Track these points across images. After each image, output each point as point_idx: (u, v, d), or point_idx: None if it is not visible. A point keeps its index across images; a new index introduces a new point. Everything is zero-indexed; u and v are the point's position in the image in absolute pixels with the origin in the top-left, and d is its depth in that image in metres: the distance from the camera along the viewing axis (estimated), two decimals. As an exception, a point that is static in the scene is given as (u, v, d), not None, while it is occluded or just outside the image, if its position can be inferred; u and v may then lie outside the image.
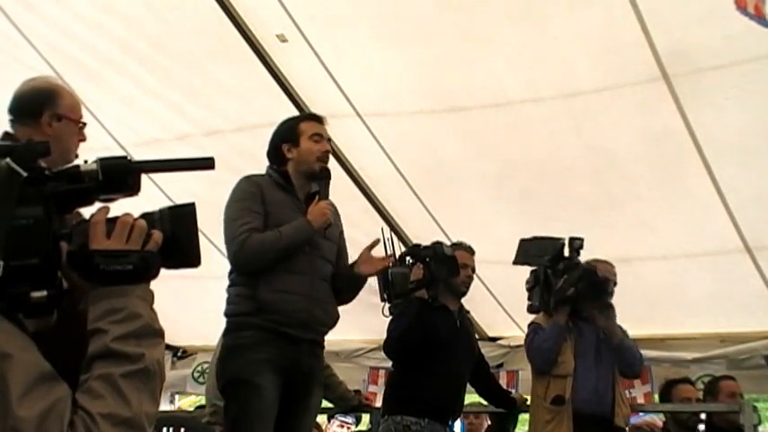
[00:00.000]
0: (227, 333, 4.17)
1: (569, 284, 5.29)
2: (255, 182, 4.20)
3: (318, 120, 4.40)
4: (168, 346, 8.24)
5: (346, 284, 4.30)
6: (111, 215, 1.66)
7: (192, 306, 7.49)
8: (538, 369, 5.52)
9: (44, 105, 3.42)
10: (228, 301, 4.15)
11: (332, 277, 4.27)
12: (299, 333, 4.02)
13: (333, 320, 4.25)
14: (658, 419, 6.87)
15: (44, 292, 1.52)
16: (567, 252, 5.42)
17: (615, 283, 5.52)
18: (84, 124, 3.49)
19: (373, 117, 6.05)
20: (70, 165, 1.65)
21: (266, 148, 4.41)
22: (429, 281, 5.00)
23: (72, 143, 3.38)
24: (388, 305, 5.08)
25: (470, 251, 5.37)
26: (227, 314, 4.16)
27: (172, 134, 6.39)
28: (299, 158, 4.22)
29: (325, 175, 4.19)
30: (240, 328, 4.06)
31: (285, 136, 4.28)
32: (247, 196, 4.14)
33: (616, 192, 6.13)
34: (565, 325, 5.35)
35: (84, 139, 3.46)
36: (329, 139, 4.36)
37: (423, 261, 5.02)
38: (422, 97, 5.88)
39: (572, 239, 5.36)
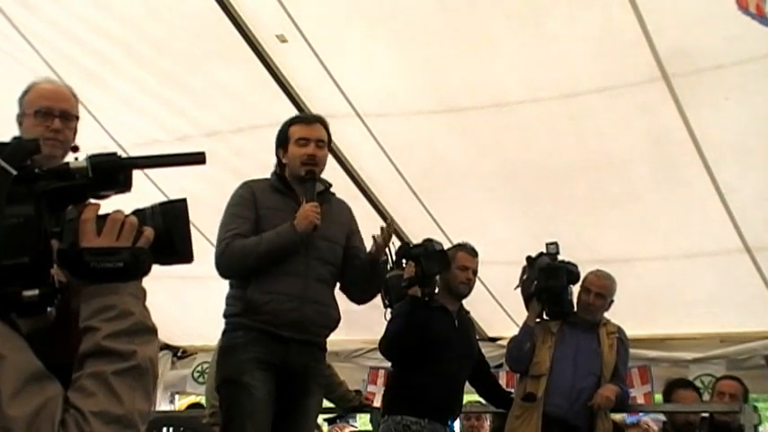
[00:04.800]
0: (222, 334, 4.21)
1: (531, 280, 5.57)
2: (250, 187, 4.23)
3: (307, 122, 4.35)
4: (168, 346, 8.25)
5: (359, 274, 4.28)
6: (102, 212, 1.65)
7: (193, 306, 7.50)
8: (509, 367, 5.98)
9: (18, 108, 3.48)
10: (225, 303, 4.20)
11: (339, 276, 4.28)
12: (288, 333, 4.02)
13: (331, 322, 4.23)
14: (651, 420, 6.90)
15: (36, 291, 1.51)
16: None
17: (601, 295, 5.58)
18: (45, 111, 3.40)
19: (373, 117, 6.04)
20: (60, 162, 1.65)
21: (266, 148, 4.44)
22: (421, 277, 5.03)
23: (35, 135, 3.24)
24: (389, 311, 5.13)
25: (473, 253, 5.38)
26: (223, 315, 4.20)
27: (172, 135, 6.38)
28: (288, 163, 4.24)
29: (309, 178, 4.17)
30: (232, 329, 4.11)
31: (279, 140, 4.29)
32: (239, 201, 4.18)
33: (616, 192, 6.12)
34: (534, 324, 5.60)
35: (54, 129, 3.38)
36: (319, 140, 4.25)
37: (415, 259, 5.05)
38: (422, 97, 5.87)
39: (547, 245, 5.60)
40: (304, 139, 4.21)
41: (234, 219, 4.13)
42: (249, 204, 4.15)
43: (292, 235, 4.03)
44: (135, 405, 1.55)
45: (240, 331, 4.06)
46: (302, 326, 4.05)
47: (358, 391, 6.46)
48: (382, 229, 4.30)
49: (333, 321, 4.25)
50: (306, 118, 4.46)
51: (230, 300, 4.16)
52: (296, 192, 4.21)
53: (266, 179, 4.30)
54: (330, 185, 4.39)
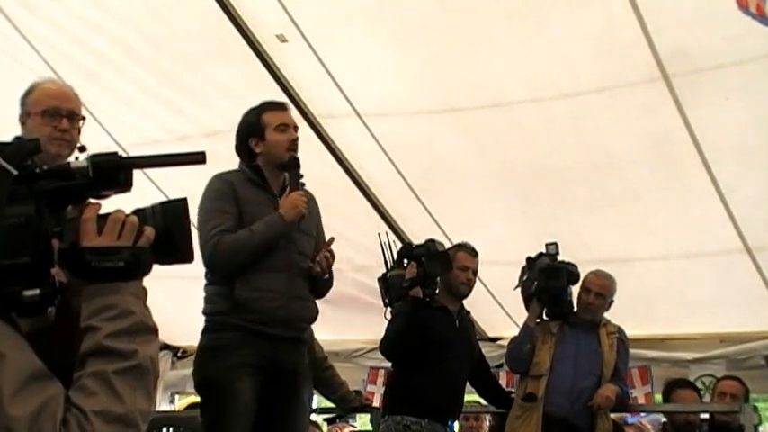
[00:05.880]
0: (204, 332, 4.06)
1: (531, 281, 5.58)
2: (227, 180, 4.06)
3: (280, 107, 4.21)
4: (168, 346, 8.24)
5: (311, 282, 4.15)
6: (103, 211, 1.65)
7: (193, 306, 7.47)
8: (509, 368, 6.02)
9: (21, 108, 3.50)
10: (206, 300, 4.05)
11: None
12: (278, 332, 3.93)
13: (313, 316, 4.17)
14: (647, 421, 6.91)
15: (37, 291, 1.51)
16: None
17: (601, 295, 5.59)
18: (52, 111, 3.42)
19: (373, 117, 6.04)
20: (61, 162, 1.65)
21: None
22: (423, 278, 5.03)
23: (41, 134, 3.28)
24: (389, 309, 5.12)
25: (473, 253, 5.38)
26: (205, 312, 4.06)
27: (172, 135, 6.38)
28: (267, 152, 4.07)
29: (294, 165, 4.04)
30: (218, 329, 3.97)
31: (250, 130, 4.11)
32: (219, 196, 4.02)
33: (616, 192, 6.12)
34: (534, 325, 5.61)
35: (62, 129, 3.40)
36: (296, 127, 4.16)
37: (417, 259, 5.05)
38: (422, 97, 5.87)
39: (547, 245, 5.61)
40: (284, 125, 4.09)
41: (217, 215, 3.97)
42: (229, 199, 4.00)
43: (282, 226, 3.93)
44: (136, 404, 1.56)
45: (228, 332, 3.93)
46: (289, 323, 3.98)
47: (358, 392, 6.45)
48: (325, 256, 4.08)
49: (314, 315, 4.18)
50: (278, 104, 4.27)
51: (213, 297, 4.01)
52: (269, 183, 4.09)
53: (236, 171, 4.14)
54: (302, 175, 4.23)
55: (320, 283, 4.16)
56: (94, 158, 1.65)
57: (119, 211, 1.65)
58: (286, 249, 4.00)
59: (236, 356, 3.87)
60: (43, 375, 1.50)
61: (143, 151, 6.26)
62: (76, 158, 1.66)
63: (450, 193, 6.52)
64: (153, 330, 1.65)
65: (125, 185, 1.68)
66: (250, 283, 3.93)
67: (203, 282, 4.15)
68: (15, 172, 1.52)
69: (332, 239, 4.14)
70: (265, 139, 4.07)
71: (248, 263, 3.92)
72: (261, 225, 3.93)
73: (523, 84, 5.63)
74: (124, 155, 1.73)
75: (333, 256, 4.08)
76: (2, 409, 1.42)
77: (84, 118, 3.54)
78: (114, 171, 1.67)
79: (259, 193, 4.06)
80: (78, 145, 3.45)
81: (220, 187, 4.03)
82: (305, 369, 4.15)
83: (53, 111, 3.42)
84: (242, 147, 4.15)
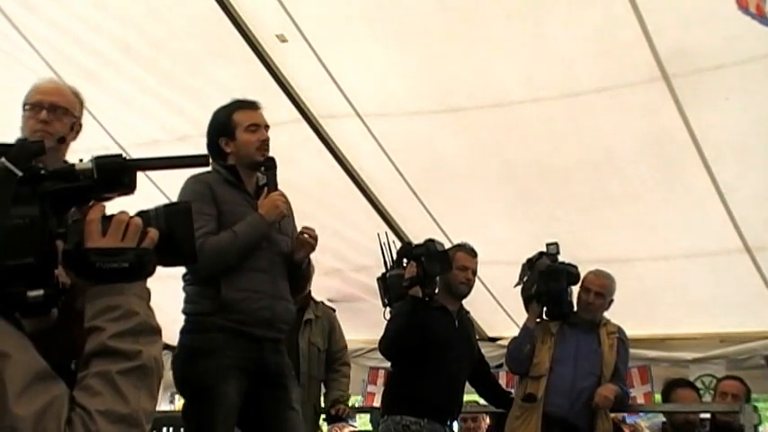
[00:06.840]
0: (186, 332, 4.02)
1: (531, 283, 5.58)
2: (204, 181, 3.96)
3: (252, 106, 4.11)
4: (169, 346, 8.22)
5: (292, 275, 4.10)
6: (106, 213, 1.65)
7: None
8: (509, 370, 6.02)
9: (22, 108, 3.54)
10: (187, 300, 4.00)
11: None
12: (262, 332, 3.88)
13: (293, 317, 4.15)
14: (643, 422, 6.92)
15: (40, 292, 1.51)
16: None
17: (600, 294, 5.57)
18: (34, 104, 3.46)
19: (373, 117, 6.05)
20: (66, 164, 1.65)
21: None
22: (422, 277, 5.03)
23: (28, 128, 3.39)
24: (388, 309, 5.12)
25: (472, 253, 5.37)
26: (186, 312, 4.01)
27: (172, 135, 6.39)
28: (237, 152, 3.98)
29: (271, 165, 3.98)
30: (202, 329, 3.91)
31: (220, 130, 4.02)
32: (197, 197, 3.86)
33: (616, 192, 6.13)
34: (533, 327, 5.61)
35: (42, 120, 3.43)
36: (267, 126, 4.06)
37: (416, 259, 5.05)
38: (422, 97, 5.88)
39: (548, 245, 5.61)
40: (255, 125, 4.01)
41: (198, 217, 3.70)
42: (208, 200, 3.91)
43: (264, 226, 3.90)
44: (140, 404, 1.56)
45: (212, 333, 3.86)
46: (272, 324, 3.94)
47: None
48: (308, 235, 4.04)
49: (293, 316, 4.17)
50: (250, 103, 4.14)
51: (195, 297, 3.96)
52: (244, 182, 4.03)
53: (210, 172, 4.02)
54: None
55: (302, 272, 4.13)
56: (99, 160, 1.65)
57: (123, 212, 1.66)
58: (268, 250, 3.96)
59: (223, 358, 3.82)
60: (48, 375, 1.50)
61: (143, 151, 6.29)
62: (80, 160, 1.66)
63: (450, 193, 6.53)
64: (156, 331, 1.65)
65: (129, 187, 1.68)
66: (235, 284, 3.87)
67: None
68: (20, 173, 1.52)
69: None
70: (235, 139, 4.00)
71: (232, 265, 3.87)
72: (244, 226, 3.88)
73: (523, 84, 5.64)
74: (126, 156, 1.74)
75: (315, 239, 4.02)
76: (7, 409, 1.43)
77: (74, 114, 3.53)
78: (118, 173, 1.67)
79: (236, 194, 4.01)
80: (58, 137, 3.44)
81: (198, 189, 3.94)
82: (289, 369, 4.12)
83: (34, 103, 3.47)
84: (212, 146, 4.07)
